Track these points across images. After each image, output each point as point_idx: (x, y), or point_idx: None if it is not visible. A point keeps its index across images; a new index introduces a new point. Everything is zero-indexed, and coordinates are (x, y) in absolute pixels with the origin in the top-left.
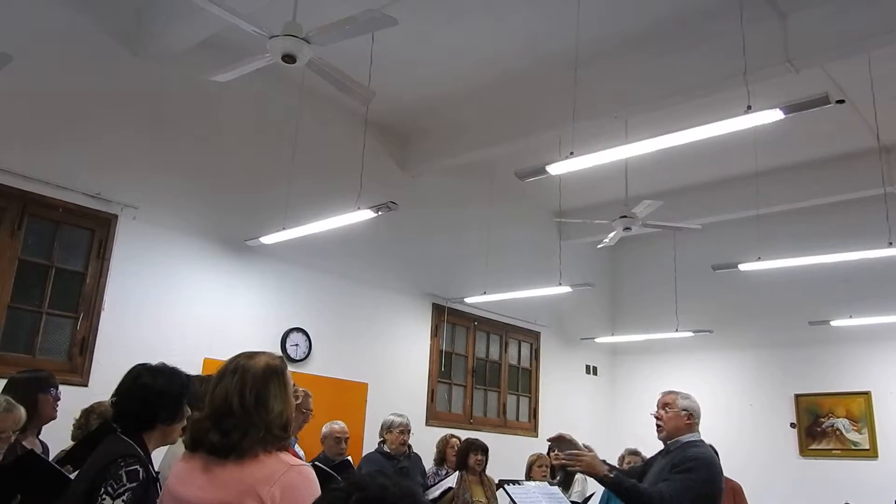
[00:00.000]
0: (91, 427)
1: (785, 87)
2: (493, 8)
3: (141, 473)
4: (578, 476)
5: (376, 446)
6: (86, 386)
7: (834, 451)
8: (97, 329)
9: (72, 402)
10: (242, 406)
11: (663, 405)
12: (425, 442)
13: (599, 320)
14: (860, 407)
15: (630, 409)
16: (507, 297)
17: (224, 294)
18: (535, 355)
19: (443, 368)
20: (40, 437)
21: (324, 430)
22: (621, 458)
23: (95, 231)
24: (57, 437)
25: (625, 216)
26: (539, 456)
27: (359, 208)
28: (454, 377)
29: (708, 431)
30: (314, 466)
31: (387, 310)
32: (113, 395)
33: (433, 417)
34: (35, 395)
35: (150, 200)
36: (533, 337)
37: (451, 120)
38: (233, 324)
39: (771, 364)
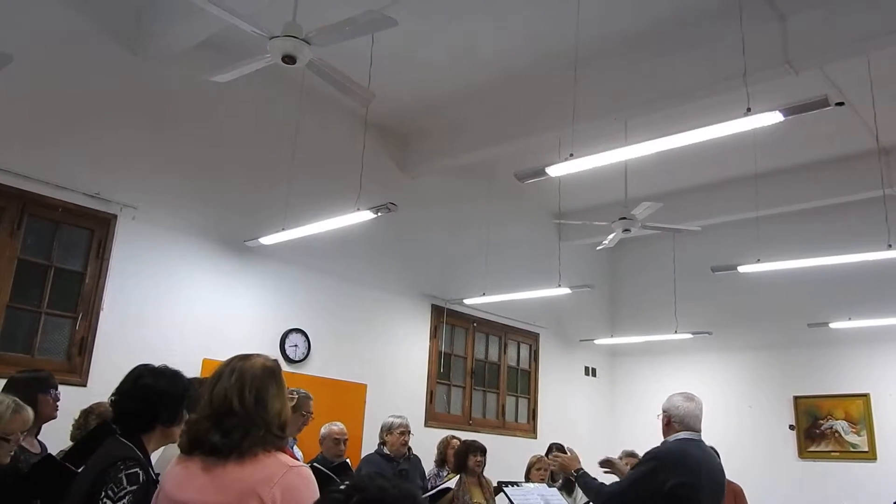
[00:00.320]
0: (90, 428)
1: (784, 89)
2: (493, 9)
3: (141, 476)
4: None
5: (375, 448)
6: (84, 386)
7: (833, 453)
8: (96, 329)
9: (71, 402)
10: (243, 405)
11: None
12: (424, 443)
13: (598, 322)
14: (859, 409)
15: (629, 411)
16: (506, 299)
17: (223, 295)
18: (535, 357)
19: (442, 369)
20: (39, 437)
21: (322, 431)
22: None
23: (95, 231)
24: (56, 437)
25: (624, 218)
26: (538, 458)
27: (358, 209)
28: (453, 378)
29: (707, 433)
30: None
31: (386, 311)
32: (113, 395)
33: (432, 419)
34: (35, 396)
35: (150, 200)
36: (532, 338)
37: (450, 121)
38: (232, 324)
39: (770, 366)
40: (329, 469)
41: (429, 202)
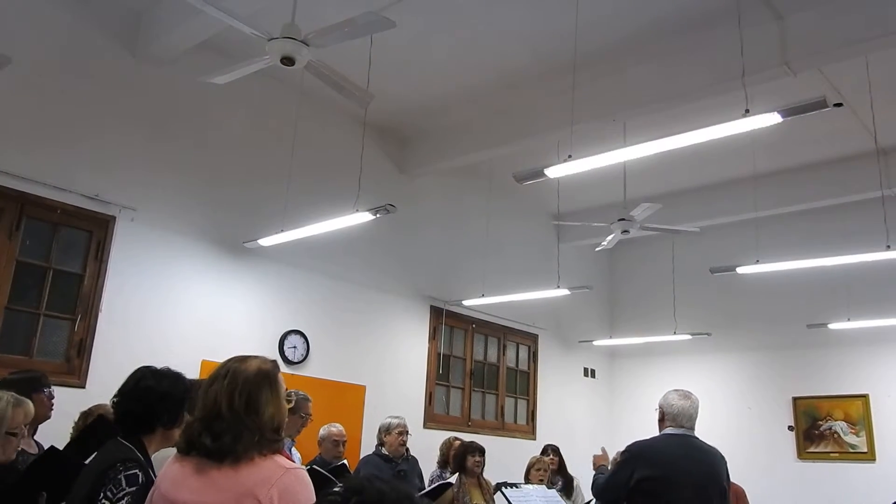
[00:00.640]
0: None
1: (783, 90)
2: (492, 10)
3: (140, 477)
4: (577, 484)
5: (374, 449)
6: (83, 388)
7: (832, 454)
8: (95, 331)
9: (69, 403)
10: (231, 409)
11: None
12: (423, 445)
13: (597, 323)
14: (858, 410)
15: (628, 412)
16: (505, 300)
17: (222, 296)
18: (534, 358)
19: (441, 371)
20: (36, 437)
21: (321, 432)
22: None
23: (93, 232)
24: (54, 438)
25: (623, 219)
26: (537, 459)
27: (357, 210)
28: (452, 380)
29: (706, 434)
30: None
31: (385, 312)
32: (115, 396)
33: (431, 420)
34: (28, 396)
35: (149, 202)
36: (531, 339)
37: (449, 122)
38: (231, 326)
39: (769, 367)
40: (327, 470)
41: (428, 203)
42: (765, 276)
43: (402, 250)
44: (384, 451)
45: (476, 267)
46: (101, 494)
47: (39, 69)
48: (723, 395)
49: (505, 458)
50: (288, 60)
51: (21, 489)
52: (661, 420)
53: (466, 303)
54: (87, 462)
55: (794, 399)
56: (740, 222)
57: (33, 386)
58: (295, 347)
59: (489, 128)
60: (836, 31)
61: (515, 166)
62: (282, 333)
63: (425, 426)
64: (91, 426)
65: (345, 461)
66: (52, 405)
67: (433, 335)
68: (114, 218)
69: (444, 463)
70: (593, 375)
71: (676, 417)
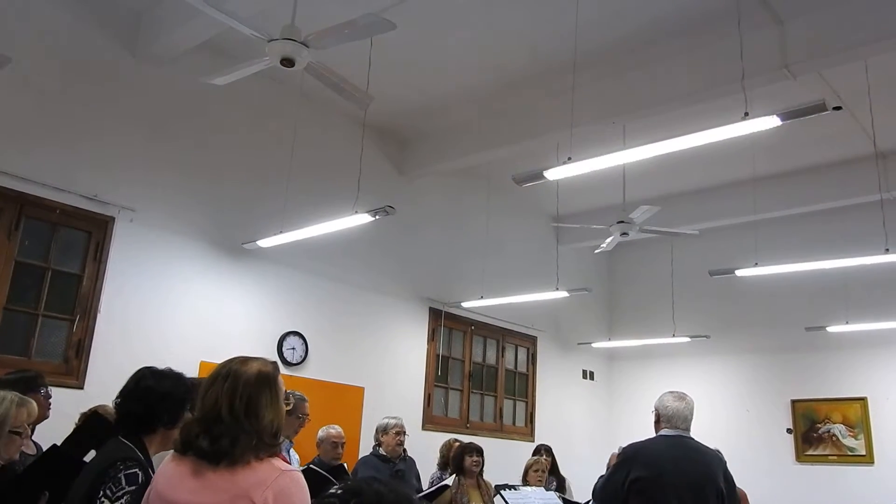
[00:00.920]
0: None
1: (782, 94)
2: (492, 11)
3: (140, 477)
4: (568, 484)
5: (371, 450)
6: (81, 388)
7: (830, 457)
8: (93, 331)
9: (68, 404)
10: (231, 413)
11: None
12: (422, 446)
13: (596, 325)
14: (856, 413)
15: (627, 415)
16: (504, 302)
17: (221, 297)
18: (532, 360)
19: (439, 373)
20: (33, 438)
21: (320, 434)
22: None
23: (92, 233)
24: (53, 438)
25: (622, 221)
26: (535, 460)
27: (356, 212)
28: (451, 381)
29: (704, 437)
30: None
31: (384, 314)
32: (117, 397)
33: (429, 422)
34: (25, 396)
35: (148, 203)
36: (530, 341)
37: (449, 124)
38: (229, 327)
39: (767, 370)
40: (325, 472)
41: (427, 205)
42: (764, 278)
43: (402, 252)
44: (381, 451)
45: (475, 269)
46: (101, 492)
47: (39, 69)
48: (721, 398)
49: (503, 460)
50: (288, 62)
51: (23, 489)
52: (657, 422)
53: (465, 304)
54: (87, 461)
55: (793, 402)
56: (739, 225)
57: (29, 386)
58: (294, 349)
59: (489, 129)
60: (836, 35)
61: (515, 168)
62: (280, 335)
63: (424, 428)
64: (86, 422)
65: (343, 463)
66: (50, 405)
67: (432, 337)
68: (113, 218)
69: (444, 465)
70: (592, 378)
71: (671, 419)
